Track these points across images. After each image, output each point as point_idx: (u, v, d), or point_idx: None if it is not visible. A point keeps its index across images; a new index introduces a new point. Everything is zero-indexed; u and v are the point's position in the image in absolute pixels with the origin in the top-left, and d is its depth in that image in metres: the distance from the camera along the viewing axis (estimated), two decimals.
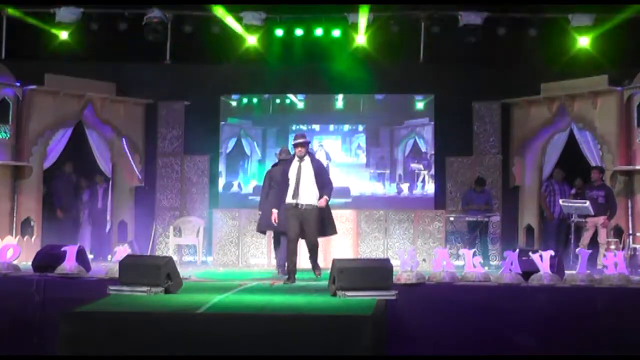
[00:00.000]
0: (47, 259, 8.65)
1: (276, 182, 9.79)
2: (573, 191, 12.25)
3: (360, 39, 12.95)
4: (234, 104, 14.07)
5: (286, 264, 9.19)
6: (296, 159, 9.24)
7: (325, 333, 5.96)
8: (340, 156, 13.93)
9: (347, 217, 12.35)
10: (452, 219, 12.65)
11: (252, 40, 13.04)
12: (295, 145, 9.25)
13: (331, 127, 14.18)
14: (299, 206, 9.04)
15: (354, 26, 12.85)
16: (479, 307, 7.46)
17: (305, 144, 9.26)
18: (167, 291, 7.42)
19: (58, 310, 6.49)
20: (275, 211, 9.32)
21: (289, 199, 9.11)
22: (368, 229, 12.45)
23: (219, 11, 12.57)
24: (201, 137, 13.63)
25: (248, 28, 12.91)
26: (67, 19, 12.73)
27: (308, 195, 9.05)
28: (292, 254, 9.04)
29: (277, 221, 9.32)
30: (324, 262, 11.46)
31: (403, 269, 7.78)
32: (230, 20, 12.76)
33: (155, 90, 13.40)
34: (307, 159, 9.24)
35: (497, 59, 12.94)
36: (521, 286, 7.77)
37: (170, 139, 13.70)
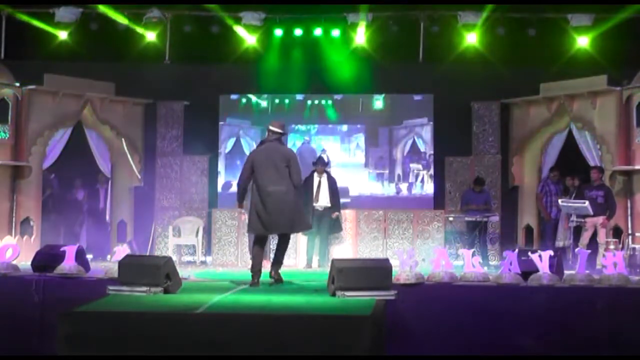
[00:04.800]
0: (46, 259, 8.64)
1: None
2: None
3: (360, 39, 12.96)
4: (233, 102, 14.05)
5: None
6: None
7: (325, 333, 5.96)
8: (339, 156, 13.94)
9: (346, 217, 12.36)
10: (451, 219, 12.65)
11: (251, 40, 13.05)
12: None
13: (330, 127, 14.20)
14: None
15: (354, 26, 12.86)
16: (478, 307, 7.46)
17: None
18: (166, 291, 7.42)
19: (58, 310, 6.49)
20: None
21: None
22: (367, 229, 12.45)
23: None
24: (200, 137, 13.63)
25: (247, 28, 12.92)
26: (67, 19, 12.73)
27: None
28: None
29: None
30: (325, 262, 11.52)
31: (402, 269, 7.78)
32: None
33: (154, 90, 13.40)
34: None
35: (496, 59, 12.94)
36: (520, 286, 7.78)
37: (169, 138, 13.70)
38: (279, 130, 8.48)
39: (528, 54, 12.84)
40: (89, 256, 10.02)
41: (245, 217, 9.24)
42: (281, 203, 8.17)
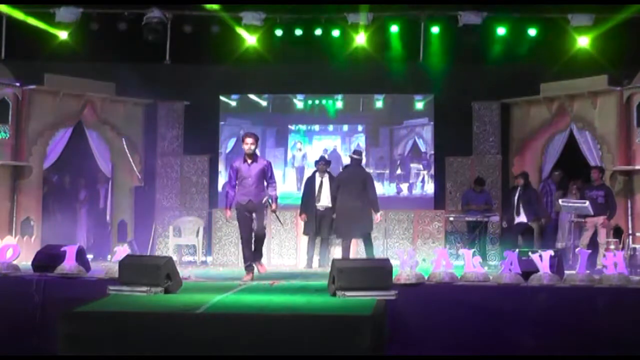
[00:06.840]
0: (46, 258, 8.65)
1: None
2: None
3: (360, 39, 12.96)
4: (233, 104, 14.09)
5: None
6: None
7: (325, 333, 5.95)
8: (340, 156, 13.93)
9: None
10: (451, 219, 12.65)
11: (252, 40, 13.04)
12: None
13: (330, 127, 14.21)
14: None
15: (354, 26, 12.85)
16: (479, 307, 7.46)
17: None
18: (166, 291, 7.42)
19: (58, 310, 6.48)
20: None
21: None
22: None
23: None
24: (201, 137, 13.64)
25: (247, 28, 12.91)
26: (67, 19, 12.72)
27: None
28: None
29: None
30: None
31: (403, 269, 7.78)
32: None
33: (155, 90, 13.39)
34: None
35: (496, 59, 12.93)
36: (521, 286, 7.77)
37: (169, 139, 13.71)
38: (358, 157, 10.85)
39: (528, 54, 12.84)
40: (89, 256, 10.02)
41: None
42: (353, 215, 10.27)
